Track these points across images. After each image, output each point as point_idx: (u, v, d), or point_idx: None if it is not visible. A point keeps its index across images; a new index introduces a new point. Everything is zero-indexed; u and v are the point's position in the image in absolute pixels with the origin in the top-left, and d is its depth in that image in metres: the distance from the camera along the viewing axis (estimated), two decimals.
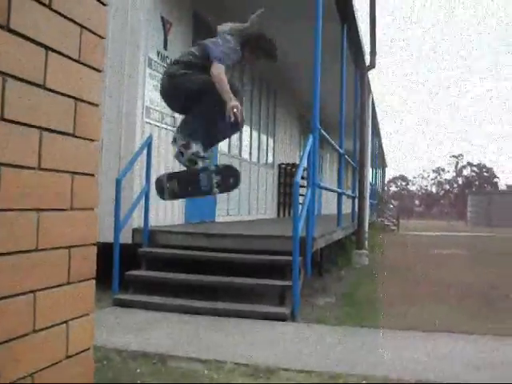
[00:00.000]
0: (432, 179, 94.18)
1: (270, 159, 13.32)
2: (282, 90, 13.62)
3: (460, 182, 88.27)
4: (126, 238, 5.83)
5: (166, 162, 6.64)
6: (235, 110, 4.04)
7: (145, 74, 6.55)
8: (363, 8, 28.44)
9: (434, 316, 5.02)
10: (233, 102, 4.05)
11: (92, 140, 1.92)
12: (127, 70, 6.43)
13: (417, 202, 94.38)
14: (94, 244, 1.95)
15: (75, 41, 1.79)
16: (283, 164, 13.96)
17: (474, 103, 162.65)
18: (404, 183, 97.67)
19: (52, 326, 1.73)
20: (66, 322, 1.80)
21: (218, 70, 4.13)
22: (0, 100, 1.46)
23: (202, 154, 4.26)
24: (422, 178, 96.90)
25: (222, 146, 9.41)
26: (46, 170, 1.67)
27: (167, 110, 6.57)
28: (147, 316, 4.64)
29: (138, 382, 3.02)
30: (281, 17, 8.71)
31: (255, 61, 4.64)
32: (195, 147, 4.22)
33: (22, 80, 1.55)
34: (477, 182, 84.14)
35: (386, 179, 31.12)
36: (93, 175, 1.93)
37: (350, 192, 12.22)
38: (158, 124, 6.85)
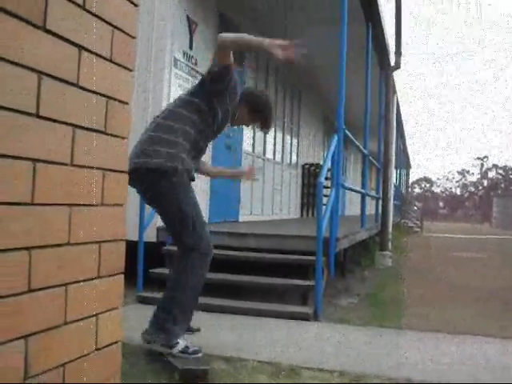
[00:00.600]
0: (457, 181, 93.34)
1: (294, 159, 13.33)
2: (306, 91, 13.63)
3: (485, 184, 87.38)
4: (150, 236, 5.88)
5: None
6: (279, 42, 3.17)
7: (171, 73, 6.60)
8: (388, 8, 28.29)
9: (456, 318, 5.00)
10: (268, 40, 3.22)
11: (122, 138, 1.96)
12: (153, 70, 6.49)
13: (441, 203, 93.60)
14: (122, 240, 1.99)
15: (107, 40, 1.83)
16: (307, 164, 13.96)
17: (502, 103, 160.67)
18: (428, 185, 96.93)
19: (82, 318, 1.77)
20: (95, 315, 1.84)
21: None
22: (36, 98, 1.51)
23: None
24: (447, 179, 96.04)
25: (246, 145, 9.45)
26: (78, 166, 1.71)
27: None
28: None
29: (149, 381, 3.05)
30: (306, 18, 8.73)
31: (247, 122, 4.00)
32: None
33: (56, 78, 1.59)
34: (502, 185, 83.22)
35: (410, 181, 30.87)
36: (123, 172, 1.97)
37: (373, 193, 12.18)
38: None
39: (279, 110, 11.57)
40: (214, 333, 4.17)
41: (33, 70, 1.49)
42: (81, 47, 1.69)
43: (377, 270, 8.69)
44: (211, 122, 3.64)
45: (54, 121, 1.59)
